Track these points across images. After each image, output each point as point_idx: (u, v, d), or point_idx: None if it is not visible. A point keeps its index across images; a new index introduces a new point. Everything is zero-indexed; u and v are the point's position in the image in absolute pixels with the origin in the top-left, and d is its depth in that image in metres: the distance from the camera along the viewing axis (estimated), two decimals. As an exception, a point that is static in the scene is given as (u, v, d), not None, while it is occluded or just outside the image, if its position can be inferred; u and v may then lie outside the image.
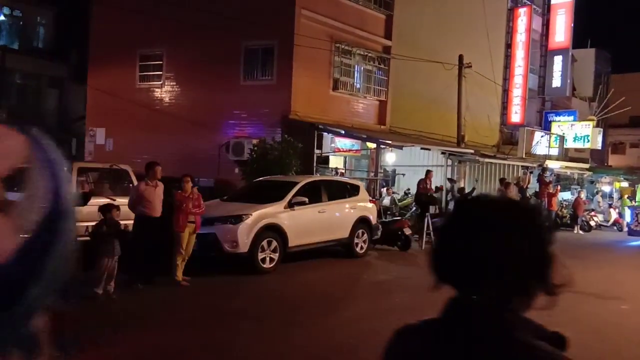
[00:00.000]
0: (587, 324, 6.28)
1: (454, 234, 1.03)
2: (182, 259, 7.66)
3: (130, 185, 9.14)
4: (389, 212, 15.43)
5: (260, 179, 10.97)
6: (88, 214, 7.72)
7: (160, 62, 16.79)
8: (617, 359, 4.89)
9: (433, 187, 13.73)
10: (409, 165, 17.05)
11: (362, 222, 10.56)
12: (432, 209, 13.30)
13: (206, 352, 5.00)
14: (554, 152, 23.82)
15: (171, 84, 16.81)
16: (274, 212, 8.94)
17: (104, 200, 8.08)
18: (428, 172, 13.56)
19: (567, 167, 23.77)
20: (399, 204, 16.43)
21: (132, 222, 7.83)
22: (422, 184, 13.13)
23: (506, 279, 0.98)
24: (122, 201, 7.94)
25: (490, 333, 0.97)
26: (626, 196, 22.17)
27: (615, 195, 23.73)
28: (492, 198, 1.08)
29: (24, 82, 20.69)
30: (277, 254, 8.75)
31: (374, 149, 15.48)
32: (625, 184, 26.35)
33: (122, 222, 7.42)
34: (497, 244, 0.98)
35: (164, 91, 16.92)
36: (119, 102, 16.90)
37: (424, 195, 12.93)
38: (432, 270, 1.06)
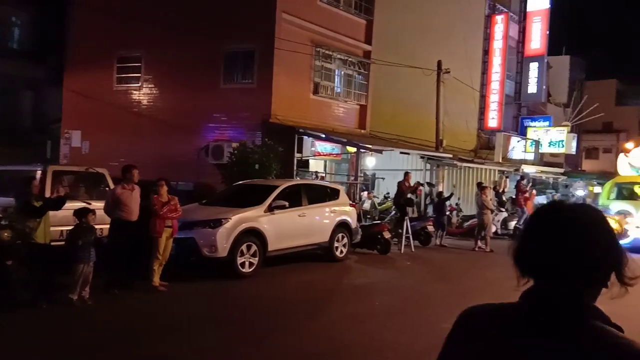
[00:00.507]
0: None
1: (547, 233, 1.15)
2: (159, 263, 7.56)
3: (107, 189, 8.98)
4: (368, 216, 15.50)
5: (240, 182, 10.90)
6: (63, 218, 7.58)
7: (139, 64, 16.58)
8: None
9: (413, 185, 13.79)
10: (388, 169, 17.18)
11: (342, 225, 10.59)
12: (410, 212, 13.40)
13: (185, 359, 4.93)
14: (530, 156, 24.29)
15: (149, 86, 16.61)
16: (254, 216, 8.90)
17: (79, 204, 7.93)
18: (407, 174, 13.69)
19: (542, 172, 24.25)
20: (379, 207, 16.53)
21: (108, 226, 7.71)
22: (403, 185, 13.27)
23: (594, 271, 1.12)
24: (98, 205, 7.80)
25: (574, 320, 1.08)
26: (590, 200, 22.24)
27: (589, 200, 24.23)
28: (572, 202, 1.26)
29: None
30: (257, 258, 8.70)
31: (354, 153, 15.55)
32: (598, 189, 27.00)
33: (98, 226, 7.29)
34: (590, 240, 1.12)
35: (142, 93, 16.71)
36: (95, 104, 16.64)
37: (404, 196, 13.05)
38: (519, 264, 1.19)
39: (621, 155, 17.44)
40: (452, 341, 1.26)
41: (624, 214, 13.68)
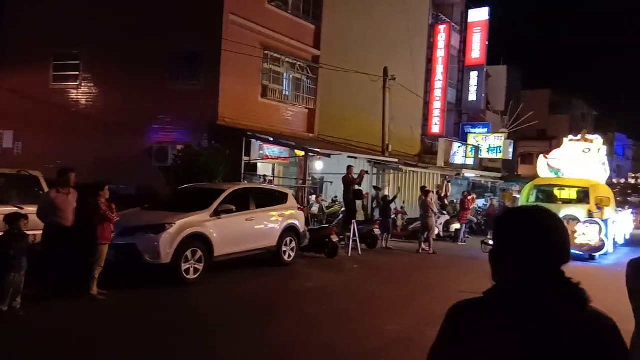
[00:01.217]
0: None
1: (539, 234, 1.34)
2: (99, 271, 7.22)
3: (41, 192, 8.49)
4: (316, 220, 15.55)
5: (185, 186, 10.63)
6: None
7: (77, 62, 15.84)
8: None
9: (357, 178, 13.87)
10: (336, 173, 17.33)
11: (290, 229, 10.55)
12: (360, 208, 13.61)
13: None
14: (470, 161, 25.28)
15: (89, 85, 15.91)
16: (199, 221, 8.69)
17: (10, 209, 7.44)
18: (349, 167, 13.90)
19: (481, 176, 25.30)
20: (327, 211, 16.62)
21: (41, 232, 7.28)
22: (348, 177, 13.47)
23: (565, 261, 1.34)
24: (31, 210, 7.36)
25: (578, 305, 1.27)
26: (506, 202, 21.05)
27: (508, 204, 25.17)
28: (544, 209, 1.45)
29: None
30: (202, 264, 8.49)
31: (303, 156, 15.57)
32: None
33: (30, 232, 6.87)
34: (566, 238, 1.39)
35: (81, 92, 15.97)
36: (30, 103, 15.74)
37: (352, 187, 13.21)
38: (499, 263, 1.36)
39: (541, 157, 16.61)
40: (443, 336, 1.37)
41: (570, 219, 12.98)
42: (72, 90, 16.04)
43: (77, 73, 15.92)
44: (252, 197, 10.06)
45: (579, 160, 15.39)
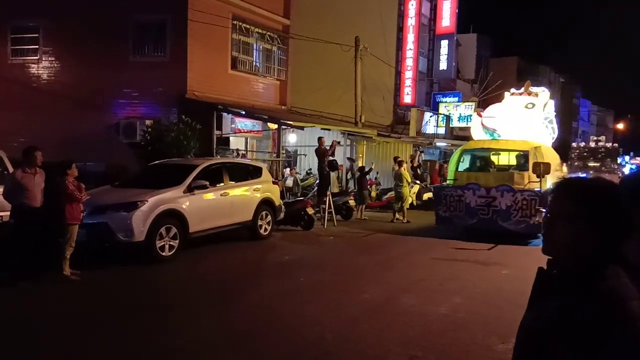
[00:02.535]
0: (473, 290, 6.88)
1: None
2: (71, 252, 7.06)
3: (5, 172, 8.18)
4: (291, 193, 15.54)
5: (156, 162, 10.41)
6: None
7: (37, 35, 15.10)
8: (500, 322, 5.41)
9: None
10: (310, 145, 17.25)
11: (265, 203, 10.52)
12: (334, 179, 13.60)
13: (106, 350, 4.68)
14: (441, 131, 25.53)
15: (50, 59, 15.22)
16: (173, 197, 8.55)
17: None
18: (320, 139, 13.65)
19: (452, 145, 25.63)
20: (302, 184, 16.61)
21: (7, 213, 7.05)
22: (320, 149, 13.32)
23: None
24: (-4, 191, 7.10)
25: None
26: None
27: None
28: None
29: None
30: (177, 241, 8.41)
31: (275, 129, 15.41)
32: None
33: (-4, 214, 6.64)
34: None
35: (42, 67, 15.30)
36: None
37: (325, 158, 13.15)
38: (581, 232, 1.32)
39: (474, 116, 14.04)
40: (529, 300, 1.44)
41: (505, 190, 10.76)
42: (32, 65, 15.33)
43: (37, 46, 15.20)
44: (226, 172, 9.94)
45: (520, 118, 12.37)
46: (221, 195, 9.54)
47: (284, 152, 16.33)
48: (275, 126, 15.12)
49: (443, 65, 27.86)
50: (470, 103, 27.08)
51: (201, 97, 13.74)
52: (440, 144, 23.67)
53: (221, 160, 11.38)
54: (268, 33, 16.48)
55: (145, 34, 14.09)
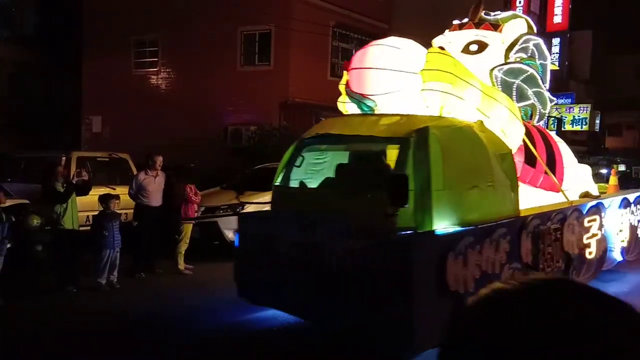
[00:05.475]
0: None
1: None
2: (185, 248, 7.64)
3: (130, 174, 9.06)
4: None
5: (261, 165, 10.88)
6: (88, 203, 7.68)
7: (156, 49, 16.57)
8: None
9: None
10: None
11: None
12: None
13: (215, 341, 4.98)
14: (552, 134, 23.80)
15: (167, 70, 16.61)
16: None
17: (103, 190, 8.02)
18: None
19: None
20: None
21: (132, 211, 7.80)
22: None
23: None
24: (122, 190, 7.88)
25: None
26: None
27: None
28: None
29: (11, 71, 20.23)
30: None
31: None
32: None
33: (122, 211, 7.37)
34: None
35: (160, 78, 16.73)
36: (115, 90, 16.72)
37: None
38: None
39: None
40: None
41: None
42: (153, 76, 16.82)
43: (156, 59, 16.65)
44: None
45: (454, 71, 5.01)
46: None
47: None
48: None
49: (554, 65, 26.00)
50: (585, 105, 25.01)
51: (301, 103, 14.14)
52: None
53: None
54: (367, 39, 16.53)
55: (252, 45, 14.86)
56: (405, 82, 4.87)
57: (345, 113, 5.85)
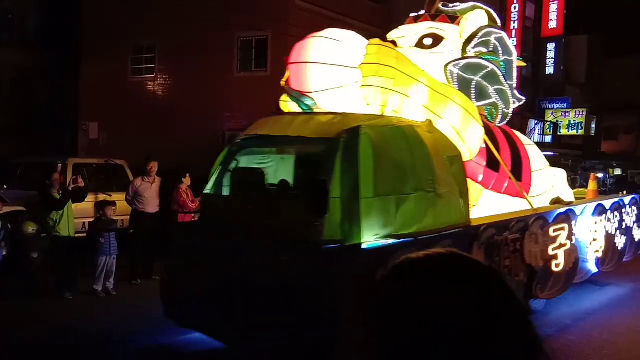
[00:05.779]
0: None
1: None
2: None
3: (126, 180, 9.06)
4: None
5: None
6: (84, 210, 7.69)
7: (153, 55, 16.60)
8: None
9: None
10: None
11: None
12: None
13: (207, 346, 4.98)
14: (548, 139, 23.93)
15: (164, 76, 16.64)
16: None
17: (100, 197, 8.04)
18: None
19: (560, 155, 23.89)
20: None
21: (128, 217, 7.80)
22: None
23: None
24: (118, 197, 7.89)
25: None
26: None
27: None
28: None
29: (10, 75, 20.22)
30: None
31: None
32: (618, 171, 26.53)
33: (119, 217, 7.38)
34: None
35: (157, 84, 16.75)
36: (112, 96, 16.73)
37: None
38: None
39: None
40: None
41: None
42: (150, 82, 16.84)
43: (153, 65, 16.68)
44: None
45: (396, 69, 4.68)
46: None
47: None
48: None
49: (550, 70, 26.13)
50: (581, 109, 25.13)
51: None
52: (547, 153, 22.14)
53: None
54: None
55: (249, 51, 14.90)
56: (346, 78, 4.41)
57: (284, 109, 5.40)
